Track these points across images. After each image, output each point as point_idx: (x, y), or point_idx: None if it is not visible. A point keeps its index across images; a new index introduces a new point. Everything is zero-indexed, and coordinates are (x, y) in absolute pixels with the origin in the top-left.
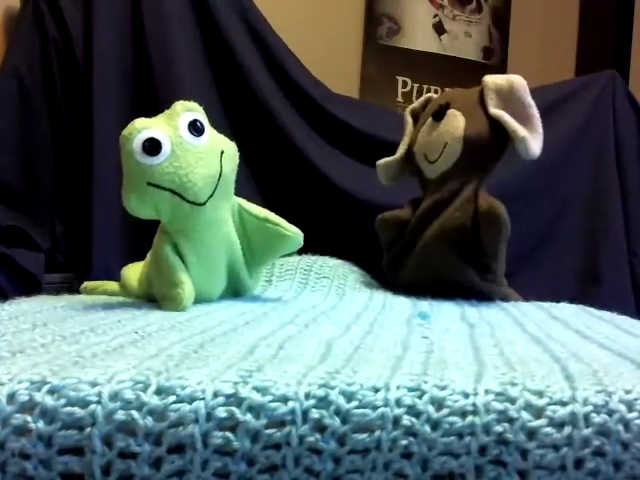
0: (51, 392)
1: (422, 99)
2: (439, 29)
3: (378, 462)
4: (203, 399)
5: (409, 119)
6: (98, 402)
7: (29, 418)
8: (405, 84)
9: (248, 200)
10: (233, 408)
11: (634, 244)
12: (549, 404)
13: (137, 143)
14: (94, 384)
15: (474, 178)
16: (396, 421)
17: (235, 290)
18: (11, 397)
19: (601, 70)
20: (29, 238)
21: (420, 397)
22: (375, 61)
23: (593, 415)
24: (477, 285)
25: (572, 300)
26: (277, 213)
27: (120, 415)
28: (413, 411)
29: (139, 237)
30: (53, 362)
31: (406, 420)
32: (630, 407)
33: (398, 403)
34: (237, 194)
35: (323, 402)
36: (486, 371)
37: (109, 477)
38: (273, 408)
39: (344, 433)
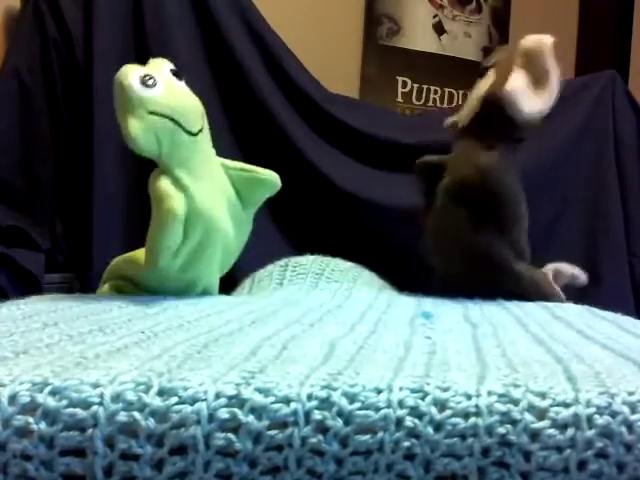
0: (53, 393)
1: (494, 55)
2: (439, 29)
3: (381, 463)
4: (205, 400)
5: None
6: (100, 403)
7: (31, 419)
8: (405, 84)
9: None
10: (235, 409)
11: (634, 244)
12: (552, 406)
13: (135, 77)
14: (96, 385)
15: (487, 137)
16: (399, 422)
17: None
18: (13, 398)
19: (601, 70)
20: (29, 238)
21: (423, 398)
22: (375, 61)
23: (596, 417)
24: (492, 249)
25: (571, 300)
26: (277, 212)
27: (122, 416)
28: (416, 412)
29: (139, 237)
30: (56, 363)
31: (409, 421)
32: (633, 409)
33: (401, 404)
34: None
35: (325, 403)
36: (489, 372)
37: (111, 478)
38: (275, 409)
39: (346, 434)
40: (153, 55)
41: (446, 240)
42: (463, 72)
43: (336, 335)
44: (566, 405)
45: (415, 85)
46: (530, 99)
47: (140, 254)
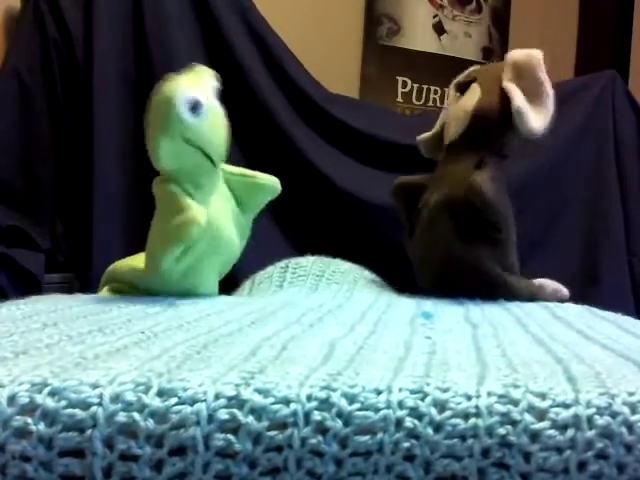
0: (52, 394)
1: (468, 71)
2: (439, 29)
3: (380, 464)
4: (205, 401)
5: (452, 92)
6: (99, 404)
7: (30, 420)
8: (405, 84)
9: None
10: (235, 410)
11: (634, 244)
12: (552, 406)
13: (184, 101)
14: (95, 386)
15: (477, 152)
16: (398, 423)
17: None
18: (12, 399)
19: (601, 70)
20: (29, 238)
21: (422, 399)
22: (375, 61)
23: (596, 417)
24: (483, 264)
25: (571, 300)
26: (277, 213)
27: (121, 417)
28: (415, 413)
29: (139, 237)
30: (55, 363)
31: (408, 422)
32: (633, 409)
33: (400, 405)
34: None
35: (325, 404)
36: (489, 373)
37: (110, 479)
38: (275, 410)
39: (346, 435)
40: (153, 55)
41: (435, 252)
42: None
43: (336, 335)
44: (566, 406)
45: (415, 85)
46: (535, 115)
47: (139, 259)
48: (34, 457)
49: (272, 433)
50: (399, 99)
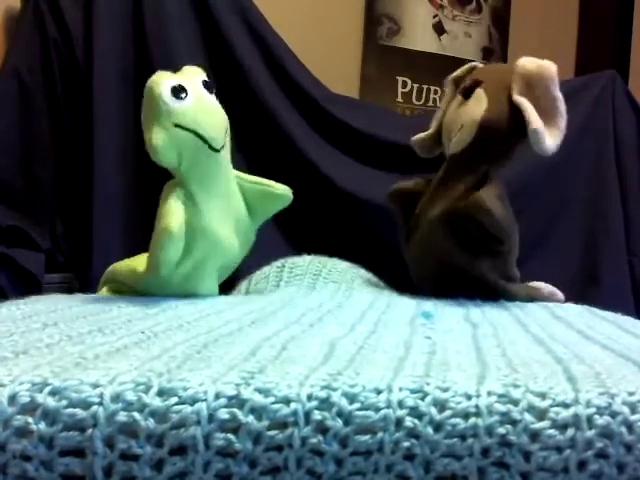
0: (52, 393)
1: (466, 67)
2: (439, 29)
3: (380, 464)
4: (205, 401)
5: (450, 89)
6: (100, 403)
7: (30, 420)
8: (405, 84)
9: None
10: (235, 410)
11: (634, 244)
12: (552, 406)
13: (166, 87)
14: (96, 385)
15: (481, 165)
16: (398, 423)
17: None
18: (12, 399)
19: (601, 70)
20: (29, 238)
21: (422, 399)
22: (375, 61)
23: (596, 417)
24: (483, 275)
25: (571, 300)
26: (278, 213)
27: (122, 417)
28: (415, 413)
29: (139, 237)
30: (55, 363)
31: (408, 422)
32: (633, 409)
33: (400, 405)
34: None
35: (325, 404)
36: (489, 372)
37: (110, 479)
38: (275, 410)
39: (346, 435)
40: (153, 55)
41: (434, 261)
42: None
43: (336, 335)
44: (566, 405)
45: (415, 85)
46: (549, 136)
47: (138, 261)
48: (35, 456)
49: (272, 432)
50: (399, 99)
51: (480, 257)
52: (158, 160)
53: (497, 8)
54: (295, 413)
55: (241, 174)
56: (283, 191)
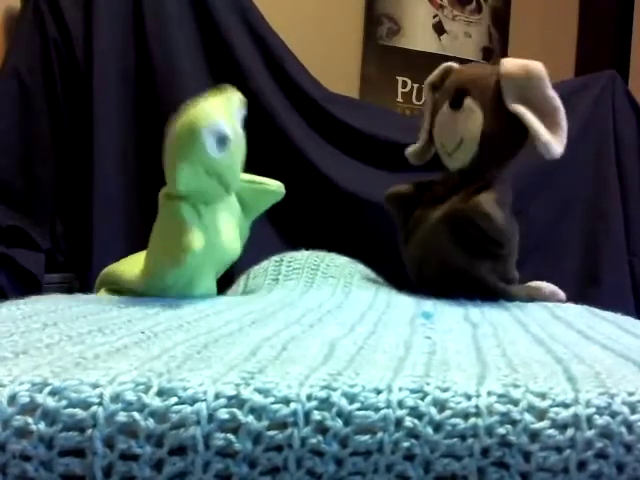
0: (52, 394)
1: (441, 69)
2: (439, 29)
3: (380, 464)
4: (205, 401)
5: (429, 94)
6: (99, 404)
7: (30, 420)
8: (405, 84)
9: None
10: (235, 410)
11: (634, 244)
12: (552, 406)
13: (211, 134)
14: (95, 386)
15: (488, 173)
16: (398, 423)
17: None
18: (12, 399)
19: (601, 70)
20: (29, 238)
21: (422, 399)
22: (375, 61)
23: (596, 417)
24: (483, 278)
25: (571, 301)
26: (278, 213)
27: (121, 417)
28: (415, 413)
29: (139, 237)
30: (55, 363)
31: (408, 422)
32: (633, 409)
33: (400, 405)
34: None
35: (325, 404)
36: (489, 373)
37: (110, 479)
38: (275, 410)
39: (346, 435)
40: (153, 55)
41: (434, 263)
42: None
43: (336, 335)
44: (566, 405)
45: (415, 85)
46: (555, 141)
47: (132, 263)
48: (34, 457)
49: (272, 433)
50: (399, 99)
51: (480, 259)
52: (173, 191)
53: (497, 8)
54: (295, 413)
55: None
56: (276, 187)
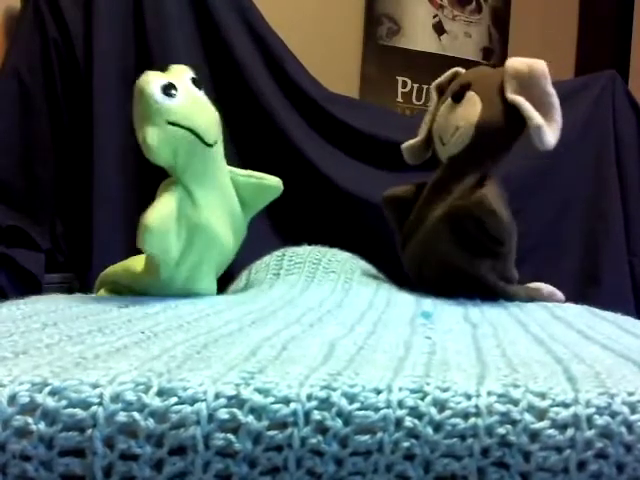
0: (52, 394)
1: (449, 73)
2: (439, 29)
3: (380, 464)
4: (205, 401)
5: (434, 96)
6: (99, 404)
7: (30, 420)
8: (405, 84)
9: None
10: (235, 410)
11: (634, 244)
12: (552, 406)
13: (156, 85)
14: (95, 386)
15: (482, 165)
16: (398, 423)
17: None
18: (12, 399)
19: (601, 70)
20: (29, 238)
21: (422, 399)
22: (375, 61)
23: (596, 417)
24: (482, 277)
25: (571, 301)
26: (278, 213)
27: (121, 417)
28: (415, 413)
29: None
30: (55, 363)
31: (408, 422)
32: (633, 409)
33: (400, 405)
34: None
35: (325, 404)
36: (488, 373)
37: (110, 479)
38: (275, 410)
39: (346, 435)
40: (153, 55)
41: (433, 262)
42: None
43: (336, 335)
44: (566, 405)
45: (415, 85)
46: (549, 131)
47: (135, 263)
48: (34, 456)
49: (272, 433)
50: (399, 99)
51: (480, 258)
52: (153, 158)
53: (497, 8)
54: (295, 413)
55: (233, 169)
56: (275, 182)
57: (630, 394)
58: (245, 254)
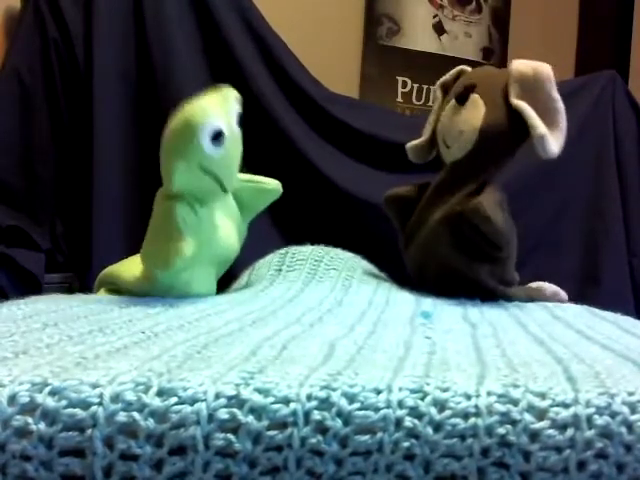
0: (52, 394)
1: (454, 71)
2: (439, 29)
3: (380, 464)
4: (205, 401)
5: (439, 94)
6: (99, 404)
7: (30, 420)
8: (405, 84)
9: None
10: (235, 410)
11: (634, 244)
12: (552, 406)
13: (208, 132)
14: (95, 386)
15: (485, 171)
16: (398, 423)
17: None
18: (12, 399)
19: (601, 70)
20: (29, 238)
21: (422, 399)
22: (375, 61)
23: (596, 417)
24: (482, 281)
25: (571, 301)
26: (278, 213)
27: (121, 417)
28: (415, 413)
29: (139, 237)
30: (55, 363)
31: (408, 422)
32: (633, 409)
33: (400, 405)
34: None
35: (325, 404)
36: (488, 373)
37: (110, 479)
38: (275, 410)
39: (346, 435)
40: (153, 55)
41: (433, 266)
42: None
43: (336, 335)
44: (566, 405)
45: (415, 85)
46: (553, 139)
47: (133, 265)
48: (34, 456)
49: (272, 433)
50: (399, 99)
51: (479, 262)
52: (170, 190)
53: (497, 8)
54: (295, 413)
55: None
56: (274, 186)
57: (630, 394)
58: (245, 254)
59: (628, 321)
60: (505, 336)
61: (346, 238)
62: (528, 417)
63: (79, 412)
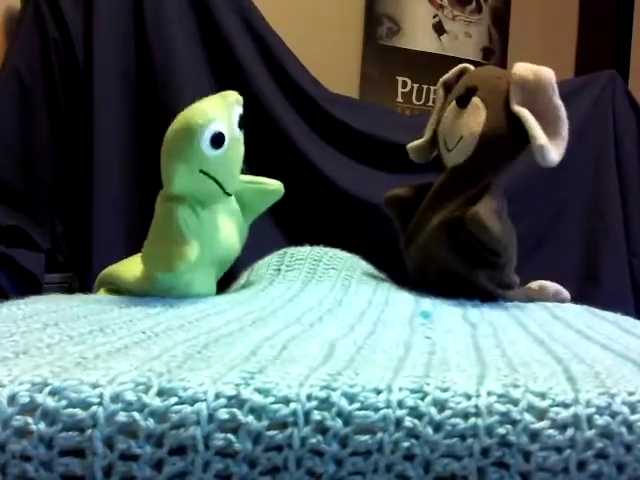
0: (52, 394)
1: (456, 69)
2: (439, 29)
3: (380, 464)
4: (205, 401)
5: (441, 93)
6: (99, 404)
7: (30, 420)
8: (405, 84)
9: None
10: (235, 410)
11: (634, 244)
12: (552, 406)
13: (208, 134)
14: (95, 386)
15: (484, 177)
16: (398, 423)
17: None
18: (12, 399)
19: (601, 70)
20: (29, 238)
21: (422, 399)
22: (375, 61)
23: (596, 417)
24: (481, 284)
25: (571, 301)
26: (278, 214)
27: (121, 417)
28: (415, 413)
29: (139, 236)
30: (55, 363)
31: (408, 422)
32: (633, 409)
33: (400, 405)
34: None
35: (325, 404)
36: (488, 373)
37: (110, 479)
38: (275, 410)
39: (346, 435)
40: (153, 55)
41: (433, 269)
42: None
43: (336, 335)
44: (566, 405)
45: (415, 85)
46: (554, 148)
47: (130, 265)
48: (34, 457)
49: (272, 433)
50: (399, 99)
51: (478, 267)
52: (171, 192)
53: (497, 8)
54: (295, 413)
55: None
56: (275, 187)
57: (630, 394)
58: (246, 254)
59: (628, 321)
60: (505, 336)
61: (346, 238)
62: (528, 417)
63: (79, 412)
